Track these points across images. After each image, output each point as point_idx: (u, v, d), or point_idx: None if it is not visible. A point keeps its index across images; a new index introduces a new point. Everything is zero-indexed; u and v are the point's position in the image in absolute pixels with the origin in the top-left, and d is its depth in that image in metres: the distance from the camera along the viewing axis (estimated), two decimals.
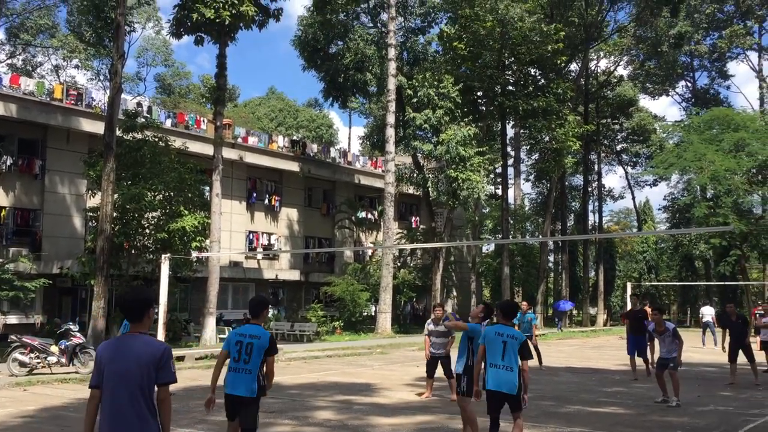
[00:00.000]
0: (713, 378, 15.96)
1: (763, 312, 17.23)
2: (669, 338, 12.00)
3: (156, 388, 4.28)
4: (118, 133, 23.01)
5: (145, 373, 4.21)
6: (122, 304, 4.48)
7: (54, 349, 15.62)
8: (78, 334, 16.08)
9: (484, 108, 38.65)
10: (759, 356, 17.87)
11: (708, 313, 26.81)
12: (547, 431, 9.42)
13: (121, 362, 4.23)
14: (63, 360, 15.51)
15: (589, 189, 53.71)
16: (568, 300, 45.82)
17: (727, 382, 14.79)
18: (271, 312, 35.09)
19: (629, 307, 18.45)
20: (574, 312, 54.47)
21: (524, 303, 18.78)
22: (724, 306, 19.54)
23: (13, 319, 25.98)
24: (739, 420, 10.35)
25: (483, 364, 7.54)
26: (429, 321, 12.34)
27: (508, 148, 45.34)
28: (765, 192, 43.29)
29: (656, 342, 12.53)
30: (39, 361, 15.38)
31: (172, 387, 4.42)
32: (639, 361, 15.43)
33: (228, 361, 6.53)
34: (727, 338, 15.62)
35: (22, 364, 15.27)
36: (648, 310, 14.84)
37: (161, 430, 4.28)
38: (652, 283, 52.40)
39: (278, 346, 14.72)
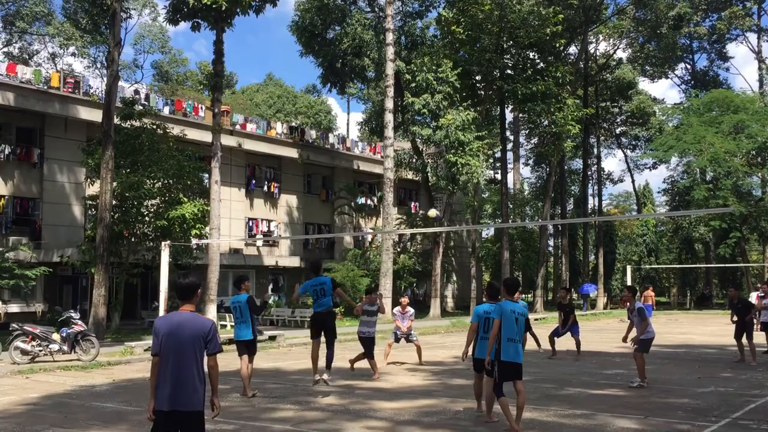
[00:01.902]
0: (714, 360, 16.02)
1: (763, 294, 17.34)
2: (636, 318, 12.03)
3: (206, 357, 5.19)
4: (116, 120, 22.94)
5: (195, 343, 5.09)
6: (176, 286, 5.42)
7: (55, 337, 15.65)
8: (79, 322, 16.09)
9: (482, 92, 38.49)
10: (759, 337, 17.98)
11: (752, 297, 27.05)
12: (549, 414, 9.45)
13: (177, 334, 5.09)
14: (65, 348, 15.54)
15: (589, 173, 53.66)
16: (592, 284, 46.07)
17: (736, 359, 15.26)
18: (271, 298, 35.19)
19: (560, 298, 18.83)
20: (574, 296, 54.61)
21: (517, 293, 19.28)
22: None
23: (14, 308, 26.01)
24: (740, 401, 10.38)
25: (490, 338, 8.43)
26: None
27: (507, 133, 45.19)
28: (764, 174, 43.28)
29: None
30: (41, 349, 15.41)
31: None
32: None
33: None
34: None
35: (24, 353, 15.30)
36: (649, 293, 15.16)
37: (211, 390, 5.27)
38: (652, 266, 52.50)
39: (279, 332, 14.89)
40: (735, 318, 15.64)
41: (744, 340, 15.32)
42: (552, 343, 16.56)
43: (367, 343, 13.02)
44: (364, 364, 13.32)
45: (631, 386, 11.61)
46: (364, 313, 13.09)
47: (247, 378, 10.81)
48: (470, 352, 9.11)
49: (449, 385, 12.05)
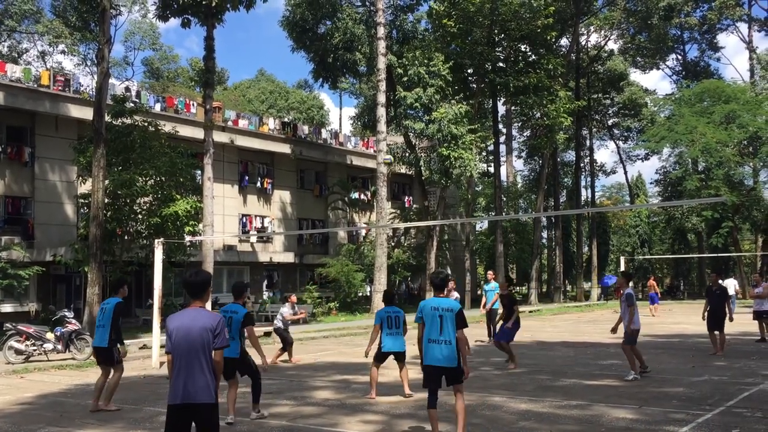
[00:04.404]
0: (707, 349, 16.05)
1: (755, 283, 17.45)
2: (623, 305, 11.79)
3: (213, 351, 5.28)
4: (107, 118, 22.81)
5: (204, 338, 5.19)
6: (185, 283, 5.47)
7: (50, 336, 15.63)
8: (73, 321, 16.07)
9: (474, 85, 38.49)
10: (753, 326, 18.07)
11: (730, 285, 26.80)
12: (544, 405, 9.48)
13: (185, 331, 5.21)
14: (59, 347, 15.51)
15: (582, 164, 53.74)
16: (613, 276, 46.14)
17: (710, 352, 14.99)
18: (266, 294, 35.19)
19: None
20: (569, 287, 54.77)
21: (489, 273, 19.37)
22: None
23: (7, 308, 25.92)
24: (734, 389, 10.44)
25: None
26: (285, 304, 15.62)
27: (500, 126, 45.26)
28: (756, 163, 43.44)
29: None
30: (35, 348, 15.39)
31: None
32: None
33: None
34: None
35: (18, 352, 15.27)
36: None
37: (216, 385, 5.27)
38: (645, 257, 52.70)
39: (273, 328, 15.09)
40: (706, 314, 15.32)
41: (730, 329, 15.01)
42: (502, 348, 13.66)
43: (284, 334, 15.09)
44: (358, 357, 13.35)
45: (626, 380, 11.43)
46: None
47: (98, 389, 9.87)
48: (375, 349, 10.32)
49: None
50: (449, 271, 47.12)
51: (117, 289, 10.42)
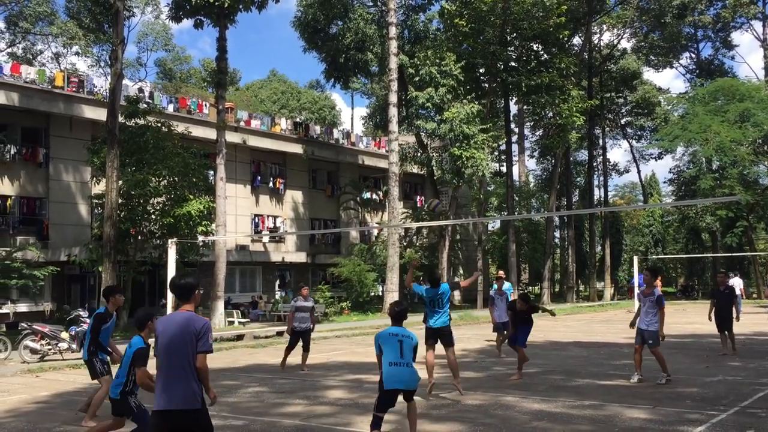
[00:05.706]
0: (721, 349, 15.95)
1: None
2: (651, 302, 11.16)
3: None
4: (121, 119, 23.00)
5: (188, 342, 5.05)
6: (172, 287, 5.34)
7: (64, 335, 15.76)
8: (88, 320, 16.15)
9: (486, 85, 38.40)
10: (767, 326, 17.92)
11: (736, 284, 26.05)
12: (557, 405, 9.45)
13: (170, 334, 5.09)
14: (74, 346, 15.63)
15: (594, 164, 53.49)
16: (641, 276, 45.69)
17: (720, 353, 14.82)
18: (278, 294, 35.30)
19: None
20: (581, 287, 54.55)
21: (500, 272, 17.92)
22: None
23: (23, 307, 26.16)
24: (749, 389, 10.37)
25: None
26: (297, 298, 14.31)
27: (512, 125, 45.17)
28: None
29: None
30: (50, 347, 15.52)
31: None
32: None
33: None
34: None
35: (33, 351, 15.41)
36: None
37: (202, 390, 5.15)
38: (659, 257, 52.37)
39: (286, 327, 14.51)
40: (712, 314, 15.10)
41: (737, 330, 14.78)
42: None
43: (298, 336, 13.87)
44: (370, 356, 13.34)
45: (660, 383, 10.92)
46: (298, 310, 13.88)
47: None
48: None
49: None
50: (461, 271, 47.10)
51: (107, 297, 9.23)
